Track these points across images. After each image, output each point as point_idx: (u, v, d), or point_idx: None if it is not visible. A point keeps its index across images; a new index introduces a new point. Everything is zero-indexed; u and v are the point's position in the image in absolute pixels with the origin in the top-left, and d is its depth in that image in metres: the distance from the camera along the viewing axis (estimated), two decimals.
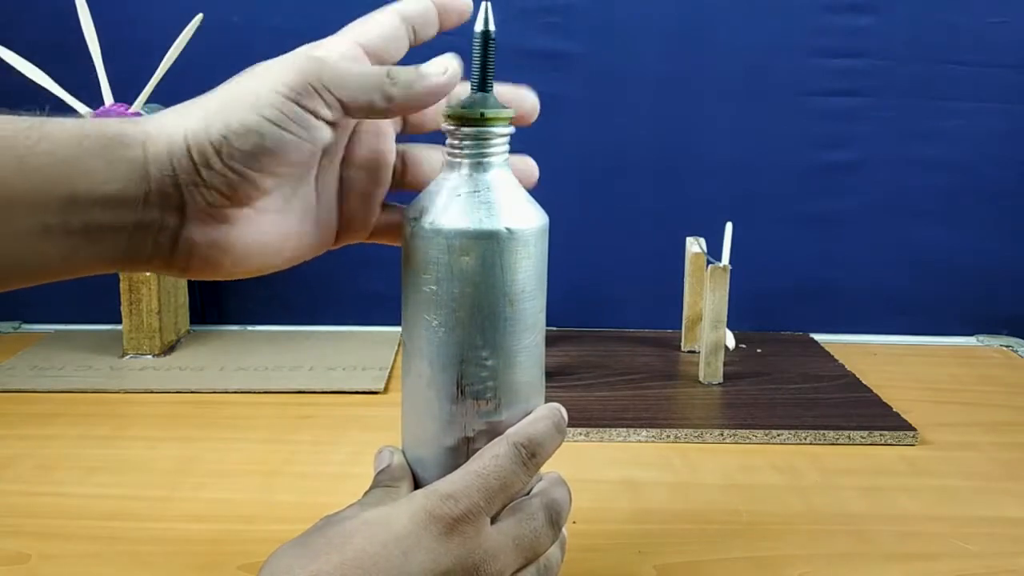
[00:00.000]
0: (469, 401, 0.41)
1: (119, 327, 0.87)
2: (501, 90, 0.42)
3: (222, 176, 0.35)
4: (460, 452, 0.41)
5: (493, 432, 0.41)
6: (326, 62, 0.36)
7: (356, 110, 0.37)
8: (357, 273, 0.98)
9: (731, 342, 0.82)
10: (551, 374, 0.82)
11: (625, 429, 0.71)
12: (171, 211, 0.36)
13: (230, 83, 0.37)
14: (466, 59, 0.40)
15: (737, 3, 0.94)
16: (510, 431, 0.41)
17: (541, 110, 0.95)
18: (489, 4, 0.40)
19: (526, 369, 0.42)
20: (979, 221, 1.00)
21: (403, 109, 0.38)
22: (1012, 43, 0.95)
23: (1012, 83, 0.96)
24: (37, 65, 0.78)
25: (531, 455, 0.40)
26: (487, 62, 0.40)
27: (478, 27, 0.40)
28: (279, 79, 0.35)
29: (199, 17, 0.77)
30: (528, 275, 0.40)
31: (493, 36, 0.40)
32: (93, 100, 0.79)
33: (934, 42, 0.95)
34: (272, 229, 0.39)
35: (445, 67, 0.38)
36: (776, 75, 0.96)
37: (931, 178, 0.99)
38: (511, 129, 0.41)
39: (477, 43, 0.40)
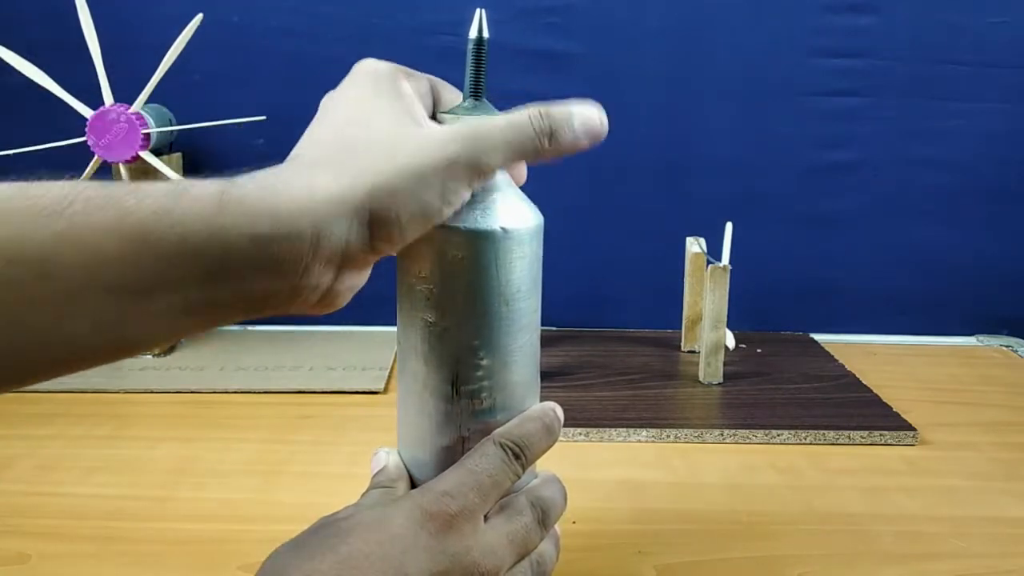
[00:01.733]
0: (464, 401, 0.41)
1: None
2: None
3: (396, 244, 0.36)
4: (455, 452, 0.42)
5: (488, 431, 0.41)
6: (479, 137, 0.36)
7: (515, 163, 0.39)
8: None
9: (731, 342, 0.82)
10: (551, 374, 0.82)
11: (625, 429, 0.71)
12: (331, 271, 0.35)
13: (371, 142, 0.35)
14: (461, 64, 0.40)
15: (737, 3, 0.94)
16: (497, 431, 0.41)
17: None
18: (483, 11, 0.40)
19: (521, 369, 0.42)
20: (979, 221, 1.00)
21: (542, 161, 0.39)
22: (1012, 43, 0.95)
23: (1012, 83, 0.96)
24: (37, 65, 0.78)
25: (516, 455, 0.41)
26: (480, 68, 0.40)
27: (472, 33, 0.40)
28: (442, 157, 0.35)
29: (199, 17, 0.77)
30: (523, 275, 0.40)
31: (486, 42, 0.40)
32: (93, 100, 0.79)
33: (934, 42, 0.95)
34: None
35: (600, 118, 0.39)
36: (776, 75, 0.96)
37: (931, 178, 0.99)
38: None
39: (471, 49, 0.40)
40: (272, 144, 0.72)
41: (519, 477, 0.41)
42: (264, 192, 0.33)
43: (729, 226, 0.82)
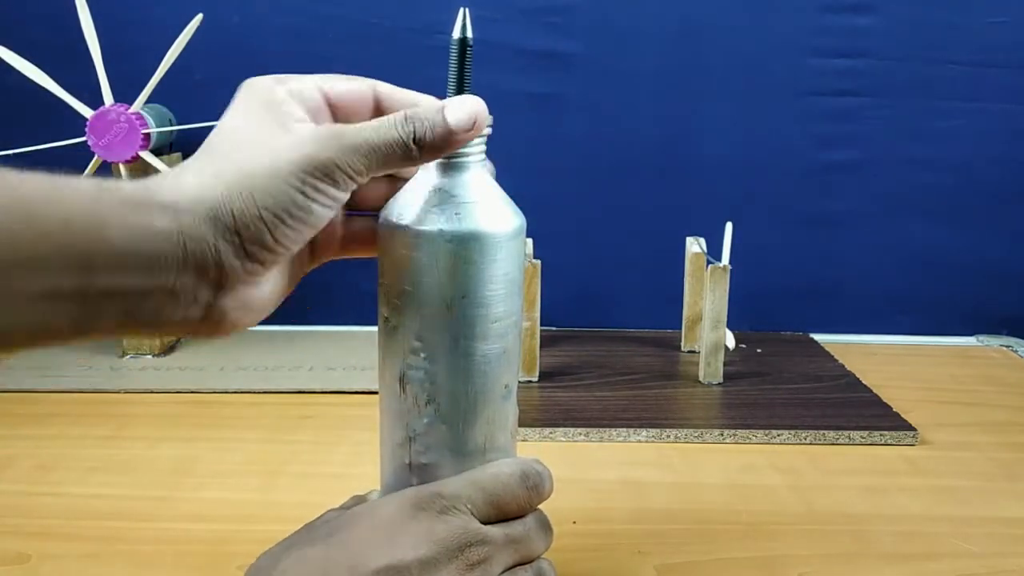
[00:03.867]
0: (410, 400, 0.41)
1: None
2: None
3: (269, 250, 0.35)
4: (405, 450, 0.42)
5: (436, 436, 0.41)
6: (339, 137, 0.36)
7: (379, 172, 0.37)
8: (356, 273, 0.98)
9: (731, 342, 0.82)
10: (551, 374, 0.82)
11: (625, 429, 0.71)
12: (207, 282, 0.35)
13: (235, 146, 0.36)
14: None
15: (736, 3, 0.94)
16: (519, 459, 0.42)
17: (542, 109, 0.95)
18: (467, 10, 0.39)
19: (472, 379, 0.41)
20: (979, 221, 1.00)
21: (426, 161, 0.39)
22: (1011, 43, 0.95)
23: (1011, 83, 0.96)
24: (37, 65, 0.78)
25: (534, 485, 0.42)
26: (464, 68, 0.40)
27: (455, 33, 0.39)
28: (299, 155, 0.35)
29: (198, 17, 0.77)
30: (473, 281, 0.39)
31: (471, 43, 0.40)
32: (93, 100, 0.79)
33: (933, 42, 0.95)
34: (283, 279, 0.40)
35: (472, 116, 0.38)
36: (776, 75, 0.96)
37: (931, 178, 0.99)
38: (488, 131, 0.41)
39: (454, 49, 0.40)
40: None
41: (528, 503, 0.42)
42: (138, 188, 0.34)
43: (729, 226, 0.82)
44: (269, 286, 0.38)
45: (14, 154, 0.78)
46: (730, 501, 0.61)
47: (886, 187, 0.99)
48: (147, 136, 0.80)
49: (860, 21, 0.95)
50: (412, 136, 0.37)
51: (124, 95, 0.80)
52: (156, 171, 0.80)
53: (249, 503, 0.60)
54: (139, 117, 0.80)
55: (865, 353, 0.93)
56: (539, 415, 0.73)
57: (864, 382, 0.82)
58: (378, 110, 0.41)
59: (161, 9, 0.89)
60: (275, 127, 0.36)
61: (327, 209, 0.36)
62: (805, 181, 0.99)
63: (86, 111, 0.79)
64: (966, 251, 1.00)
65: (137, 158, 0.80)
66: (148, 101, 0.81)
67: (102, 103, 0.79)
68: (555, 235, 0.98)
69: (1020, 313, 1.02)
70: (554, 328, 0.97)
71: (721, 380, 0.81)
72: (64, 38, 0.81)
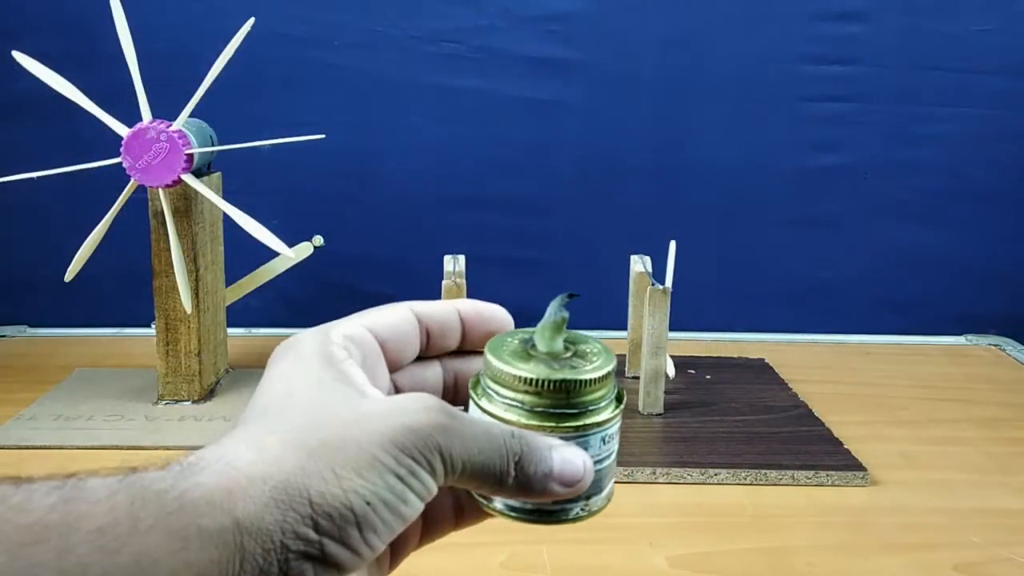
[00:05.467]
0: None
1: (134, 333, 0.86)
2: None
3: (351, 550, 0.26)
4: None
5: None
6: (450, 426, 0.28)
7: (465, 483, 0.29)
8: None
9: (671, 370, 0.78)
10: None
11: None
12: None
13: (301, 410, 0.28)
14: None
15: (731, 12, 0.96)
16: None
17: (543, 115, 0.97)
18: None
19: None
20: (967, 223, 1.02)
21: (505, 497, 0.31)
22: (997, 50, 0.98)
23: (998, 89, 0.99)
24: (65, 77, 0.70)
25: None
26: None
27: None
28: (395, 424, 0.27)
29: (250, 22, 0.70)
30: None
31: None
32: (130, 116, 0.70)
33: (922, 49, 0.98)
34: None
35: (584, 465, 0.31)
36: (769, 81, 0.98)
37: (920, 181, 1.01)
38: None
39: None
40: (276, 149, 0.73)
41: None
42: (170, 477, 0.25)
43: (672, 245, 0.78)
44: None
45: (40, 176, 0.70)
46: (734, 494, 0.63)
47: (876, 190, 1.01)
48: (190, 157, 0.70)
49: (851, 29, 0.97)
50: (517, 458, 0.29)
51: (126, 105, 0.71)
52: (198, 195, 0.72)
53: None
54: (182, 135, 0.69)
55: (859, 352, 0.96)
56: None
57: (854, 388, 0.83)
58: (424, 332, 0.34)
59: (165, 18, 0.90)
60: (346, 388, 0.29)
61: (419, 502, 0.27)
62: (797, 184, 1.01)
63: (122, 129, 0.69)
64: (955, 253, 1.03)
65: (179, 181, 0.70)
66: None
67: (139, 119, 0.70)
68: (554, 235, 1.00)
69: (1007, 312, 1.04)
70: None
71: (662, 410, 0.75)
72: (86, 50, 0.80)
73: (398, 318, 0.33)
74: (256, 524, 0.24)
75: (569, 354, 0.32)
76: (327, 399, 0.28)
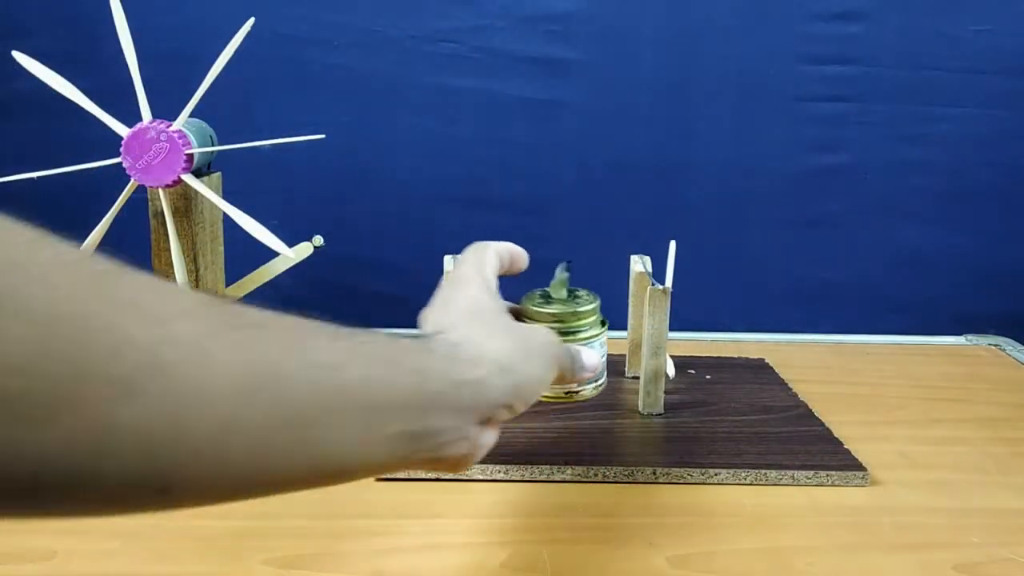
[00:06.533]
0: None
1: None
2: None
3: (520, 409, 0.44)
4: None
5: None
6: (561, 347, 0.49)
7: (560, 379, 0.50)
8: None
9: (671, 370, 0.78)
10: None
11: (548, 467, 0.64)
12: (480, 424, 0.41)
13: (504, 325, 0.45)
14: None
15: (730, 12, 0.96)
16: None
17: (543, 115, 0.97)
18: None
19: None
20: (966, 223, 1.02)
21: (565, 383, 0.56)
22: (996, 50, 0.98)
23: (997, 88, 0.99)
24: (63, 76, 0.71)
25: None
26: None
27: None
28: (558, 349, 0.48)
29: (250, 22, 0.71)
30: None
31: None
32: (130, 116, 0.71)
33: (921, 49, 0.98)
34: None
35: (597, 360, 0.55)
36: (768, 81, 0.98)
37: (919, 180, 1.01)
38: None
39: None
40: (276, 150, 0.73)
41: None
42: (446, 345, 0.41)
43: (672, 245, 0.78)
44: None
45: (40, 176, 0.71)
46: (734, 493, 0.63)
47: (876, 190, 1.01)
48: (189, 157, 0.71)
49: (850, 29, 0.97)
50: (573, 360, 0.51)
51: (126, 105, 0.72)
52: (197, 195, 0.73)
53: (271, 499, 0.60)
54: (181, 135, 0.70)
55: (859, 352, 0.95)
56: None
57: (854, 389, 0.83)
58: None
59: (162, 18, 0.90)
60: (511, 317, 0.47)
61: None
62: (797, 184, 1.01)
63: (122, 129, 0.70)
64: (954, 253, 1.03)
65: (179, 181, 0.71)
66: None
67: (139, 119, 0.70)
68: (553, 236, 1.00)
69: (1007, 312, 1.04)
70: None
71: (661, 410, 0.75)
72: (78, 42, 0.80)
73: (503, 253, 0.53)
74: (492, 382, 0.41)
75: (571, 298, 0.60)
76: (509, 320, 0.46)
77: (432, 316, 0.46)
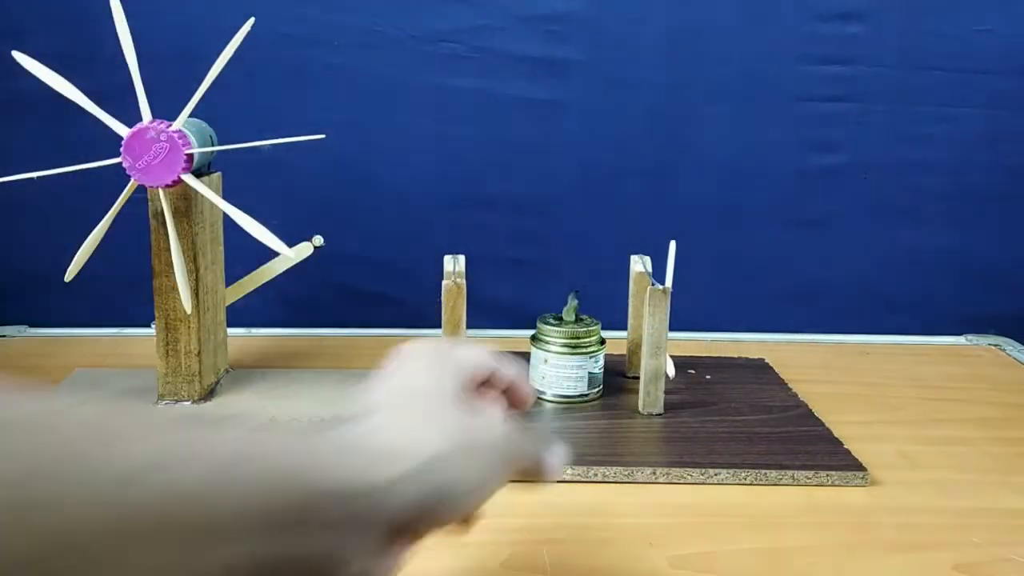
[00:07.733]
0: None
1: (134, 333, 0.86)
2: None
3: (454, 518, 0.35)
4: None
5: None
6: (541, 461, 0.42)
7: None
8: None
9: (671, 370, 0.78)
10: None
11: None
12: (386, 540, 0.32)
13: (439, 408, 0.37)
14: None
15: (731, 12, 0.96)
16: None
17: (543, 115, 0.97)
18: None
19: None
20: (966, 223, 1.02)
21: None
22: (996, 50, 0.98)
23: (997, 89, 0.99)
24: (62, 75, 0.69)
25: None
26: None
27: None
28: (504, 463, 0.38)
29: (250, 22, 0.70)
30: None
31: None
32: (130, 116, 0.69)
33: (921, 49, 0.98)
34: None
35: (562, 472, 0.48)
36: (769, 81, 0.98)
37: (919, 181, 1.01)
38: None
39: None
40: (277, 150, 0.73)
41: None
42: (345, 436, 0.33)
43: (672, 245, 0.78)
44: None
45: (40, 176, 0.70)
46: (735, 493, 0.63)
47: (876, 190, 1.01)
48: (189, 157, 0.70)
49: (850, 29, 0.97)
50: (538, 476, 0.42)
51: (126, 105, 0.71)
52: (197, 195, 0.72)
53: None
54: (181, 135, 0.69)
55: (859, 353, 0.96)
56: None
57: (853, 388, 0.83)
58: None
59: (163, 17, 0.90)
60: (466, 402, 0.38)
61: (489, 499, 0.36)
62: (797, 184, 1.01)
63: (122, 129, 0.69)
64: (954, 253, 1.03)
65: (179, 181, 0.69)
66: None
67: (139, 119, 0.69)
68: (552, 237, 1.00)
69: (1007, 312, 1.04)
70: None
71: (661, 410, 0.75)
72: (78, 42, 0.79)
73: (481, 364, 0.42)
74: (407, 483, 0.32)
75: (579, 322, 0.77)
76: (457, 408, 0.38)
77: (359, 396, 0.37)
